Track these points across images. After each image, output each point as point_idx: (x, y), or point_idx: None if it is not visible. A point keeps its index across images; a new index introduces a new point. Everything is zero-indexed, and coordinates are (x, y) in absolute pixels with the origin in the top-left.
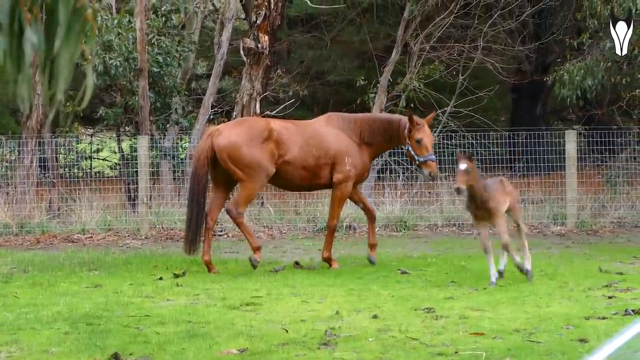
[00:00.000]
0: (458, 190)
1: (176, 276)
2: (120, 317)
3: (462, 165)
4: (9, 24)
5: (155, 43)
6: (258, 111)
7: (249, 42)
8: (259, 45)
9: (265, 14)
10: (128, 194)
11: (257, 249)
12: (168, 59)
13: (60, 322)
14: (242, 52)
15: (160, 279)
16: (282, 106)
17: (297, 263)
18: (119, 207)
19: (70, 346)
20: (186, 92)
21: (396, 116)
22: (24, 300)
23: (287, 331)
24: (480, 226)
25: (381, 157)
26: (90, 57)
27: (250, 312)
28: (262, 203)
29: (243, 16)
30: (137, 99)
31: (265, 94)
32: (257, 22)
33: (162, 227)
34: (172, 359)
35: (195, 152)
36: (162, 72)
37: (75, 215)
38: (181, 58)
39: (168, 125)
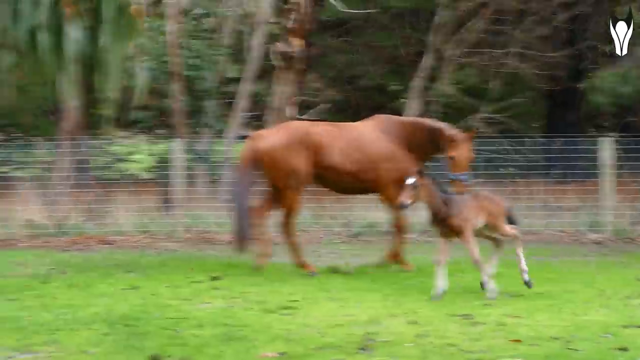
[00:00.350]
0: (401, 205)
1: (213, 279)
2: (158, 319)
3: (409, 180)
4: (50, 21)
5: (188, 47)
6: (291, 115)
7: (282, 47)
8: (291, 49)
9: (297, 18)
10: (163, 196)
11: (303, 266)
12: (200, 62)
13: (99, 323)
14: (274, 56)
15: (197, 281)
16: (314, 110)
17: (332, 268)
18: (154, 210)
19: (108, 347)
20: (219, 96)
21: (442, 124)
22: (61, 301)
23: (324, 335)
24: (442, 239)
25: None
26: (139, 53)
27: (287, 315)
28: None
29: (275, 20)
30: (170, 102)
31: (297, 98)
32: (289, 26)
33: (197, 230)
34: None
35: (240, 155)
36: (194, 75)
37: (111, 218)
38: (213, 62)
39: (201, 129)
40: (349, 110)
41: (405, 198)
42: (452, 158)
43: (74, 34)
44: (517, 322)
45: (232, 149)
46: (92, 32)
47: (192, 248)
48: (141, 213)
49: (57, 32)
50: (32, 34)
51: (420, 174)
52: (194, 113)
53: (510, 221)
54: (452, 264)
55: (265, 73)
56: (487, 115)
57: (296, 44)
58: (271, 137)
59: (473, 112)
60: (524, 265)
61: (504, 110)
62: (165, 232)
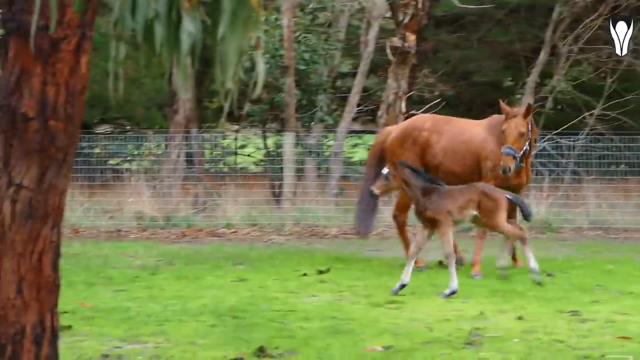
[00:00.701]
0: (371, 194)
1: (320, 272)
2: (266, 312)
3: (384, 170)
4: (167, 12)
5: (302, 41)
6: (403, 110)
7: (396, 41)
8: (406, 44)
9: (412, 13)
10: (272, 190)
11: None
12: (314, 56)
13: (206, 315)
14: (388, 50)
15: (305, 274)
16: (427, 106)
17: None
18: (264, 203)
19: (216, 339)
20: (331, 90)
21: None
22: (170, 293)
23: (431, 330)
24: (422, 230)
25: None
26: (259, 44)
27: (394, 310)
28: None
29: (389, 15)
30: (283, 95)
31: (410, 94)
32: (404, 21)
33: (306, 224)
34: (317, 354)
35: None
36: (308, 69)
37: (220, 210)
38: (327, 56)
39: (313, 123)
40: (461, 106)
41: (375, 187)
42: (502, 131)
43: (191, 26)
44: (626, 319)
45: (343, 143)
46: (211, 24)
47: (300, 241)
48: (250, 206)
49: (174, 24)
50: (149, 25)
51: (395, 164)
52: (306, 107)
53: (523, 216)
54: (563, 261)
55: (379, 68)
56: (601, 112)
57: (410, 39)
58: (392, 133)
59: (587, 109)
60: (533, 263)
61: (618, 107)
62: (274, 225)
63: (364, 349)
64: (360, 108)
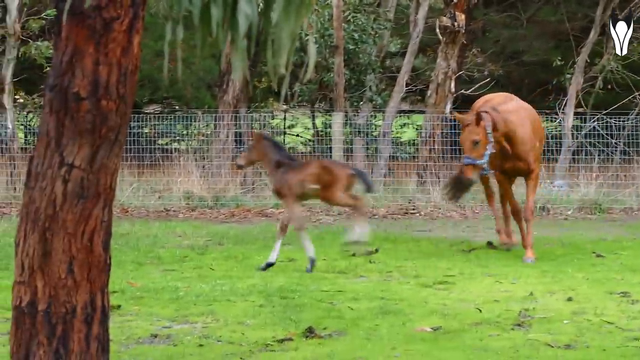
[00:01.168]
0: (237, 166)
1: (369, 253)
2: (314, 292)
3: (250, 142)
4: None
5: (351, 20)
6: (453, 90)
7: (445, 21)
8: (455, 23)
9: None
10: None
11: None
12: (363, 36)
13: (255, 295)
14: (438, 30)
15: (353, 255)
16: (477, 85)
17: (489, 243)
18: None
19: (265, 319)
20: (380, 70)
21: None
22: (219, 273)
23: (480, 311)
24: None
25: (576, 139)
26: (311, 27)
27: (442, 290)
28: None
29: None
30: (332, 75)
31: (460, 73)
32: (454, 0)
33: None
34: (365, 335)
35: None
36: (357, 49)
37: (269, 190)
38: (376, 35)
39: (362, 103)
40: (510, 85)
41: (240, 159)
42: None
43: (248, 8)
44: None
45: (392, 123)
46: (264, 7)
47: (348, 221)
48: None
49: (230, 6)
50: (205, 7)
51: (259, 137)
52: (355, 87)
53: (366, 189)
54: (613, 242)
55: (428, 47)
56: None
57: (460, 19)
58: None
59: (637, 89)
60: (360, 235)
61: None
62: (322, 205)
63: (412, 329)
64: (409, 88)
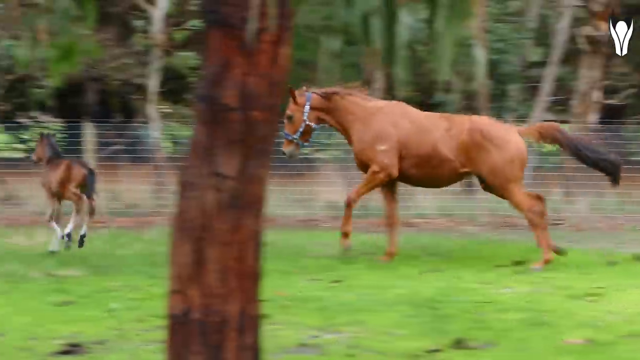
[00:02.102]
0: (34, 161)
1: (516, 264)
2: (461, 303)
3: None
4: (385, 6)
5: (493, 30)
6: (598, 100)
7: (588, 30)
8: (598, 33)
9: (604, 1)
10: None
11: None
12: (505, 46)
13: (403, 305)
14: (581, 40)
15: (500, 266)
16: (622, 95)
17: (637, 255)
18: (457, 194)
19: (413, 329)
20: (523, 80)
21: None
22: (365, 282)
23: (631, 323)
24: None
25: None
26: (479, 35)
27: (591, 302)
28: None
29: (582, 4)
30: (475, 85)
31: (604, 83)
32: (596, 10)
33: (499, 214)
34: (515, 346)
35: None
36: (499, 59)
37: (414, 201)
38: (518, 45)
39: (504, 112)
40: None
41: (34, 155)
42: None
43: (409, 19)
44: None
45: None
46: (428, 17)
47: (493, 232)
48: (444, 197)
49: (391, 17)
50: (365, 19)
51: (42, 138)
52: (498, 96)
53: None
54: None
55: (570, 57)
56: None
57: (603, 28)
58: None
59: None
60: (70, 227)
61: None
62: (467, 215)
63: (562, 341)
64: (553, 98)
